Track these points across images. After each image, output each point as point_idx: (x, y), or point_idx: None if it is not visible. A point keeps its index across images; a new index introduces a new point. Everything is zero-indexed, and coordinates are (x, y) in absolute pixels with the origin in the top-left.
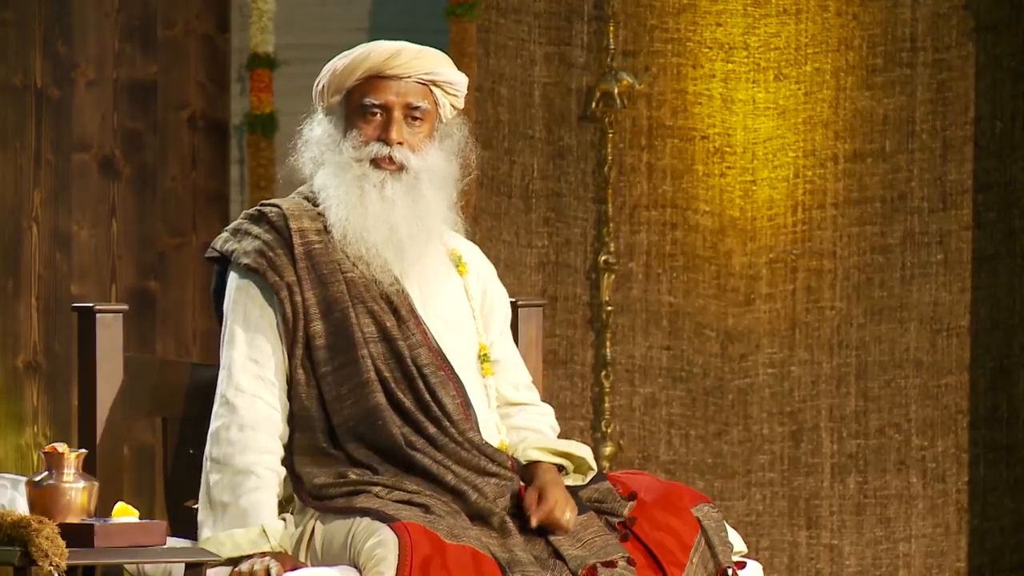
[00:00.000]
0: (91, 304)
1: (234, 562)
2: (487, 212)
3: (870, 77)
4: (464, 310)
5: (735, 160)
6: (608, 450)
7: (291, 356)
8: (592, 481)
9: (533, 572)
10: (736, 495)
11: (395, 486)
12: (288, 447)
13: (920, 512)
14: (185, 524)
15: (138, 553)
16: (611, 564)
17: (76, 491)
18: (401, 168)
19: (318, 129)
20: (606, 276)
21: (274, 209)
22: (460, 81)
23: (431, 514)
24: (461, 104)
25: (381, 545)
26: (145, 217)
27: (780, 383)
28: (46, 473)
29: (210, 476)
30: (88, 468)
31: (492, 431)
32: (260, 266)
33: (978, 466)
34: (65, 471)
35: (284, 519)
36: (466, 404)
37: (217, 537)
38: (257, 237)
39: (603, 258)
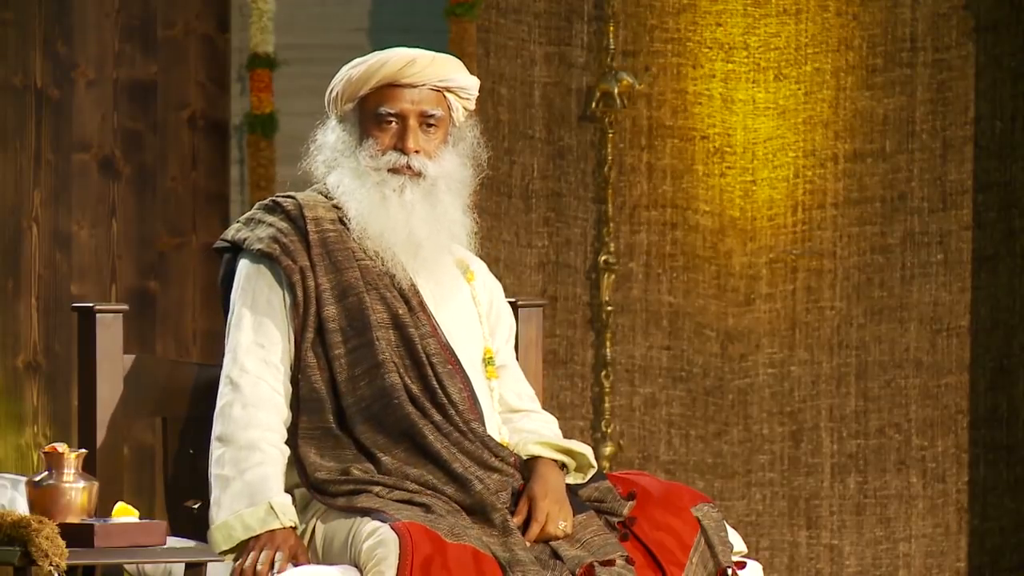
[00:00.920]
0: (91, 304)
1: (244, 547)
2: (487, 212)
3: (870, 77)
4: (471, 314)
5: (735, 160)
6: (608, 450)
7: (300, 340)
8: (592, 480)
9: (533, 571)
10: (736, 495)
11: (396, 485)
12: (292, 431)
13: (920, 512)
14: (185, 524)
15: (138, 553)
16: (609, 563)
17: (76, 491)
18: (419, 175)
19: (331, 135)
20: (606, 276)
21: (289, 200)
22: (473, 85)
23: (432, 513)
24: (472, 106)
25: (382, 545)
26: (145, 217)
27: (780, 383)
28: (46, 473)
29: (215, 453)
30: (88, 468)
31: (494, 432)
32: (273, 251)
33: (978, 466)
34: (65, 471)
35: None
36: (472, 398)
37: (227, 522)
38: (271, 225)
39: (603, 258)
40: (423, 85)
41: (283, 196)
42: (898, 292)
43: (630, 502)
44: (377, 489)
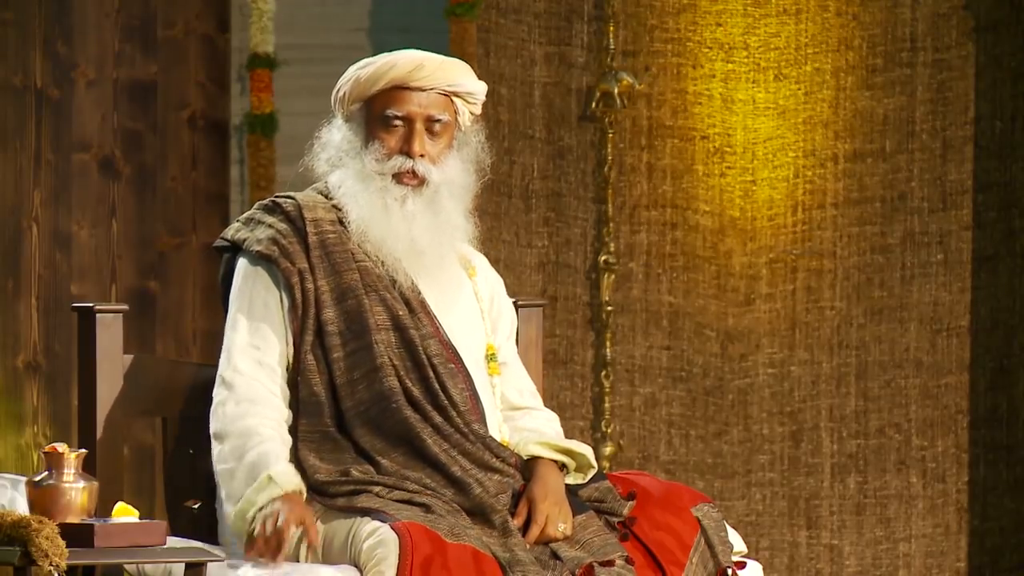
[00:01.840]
0: (91, 304)
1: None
2: (487, 212)
3: (870, 77)
4: (473, 310)
5: (735, 160)
6: (608, 450)
7: (299, 343)
8: (592, 480)
9: (534, 572)
10: (736, 495)
11: (396, 485)
12: (292, 434)
13: (920, 512)
14: (185, 524)
15: (138, 553)
16: (609, 564)
17: (76, 491)
18: (422, 182)
19: (337, 134)
20: (606, 276)
21: (289, 200)
22: (480, 90)
23: (432, 513)
24: (479, 111)
25: (382, 545)
26: (145, 217)
27: (780, 383)
28: (46, 473)
29: (214, 452)
30: (88, 468)
31: (496, 430)
32: (272, 253)
33: (978, 466)
34: (65, 471)
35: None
36: (474, 398)
37: (239, 509)
38: (271, 226)
39: (603, 258)
40: (431, 89)
41: (283, 196)
42: (898, 292)
43: (630, 502)
44: (377, 489)
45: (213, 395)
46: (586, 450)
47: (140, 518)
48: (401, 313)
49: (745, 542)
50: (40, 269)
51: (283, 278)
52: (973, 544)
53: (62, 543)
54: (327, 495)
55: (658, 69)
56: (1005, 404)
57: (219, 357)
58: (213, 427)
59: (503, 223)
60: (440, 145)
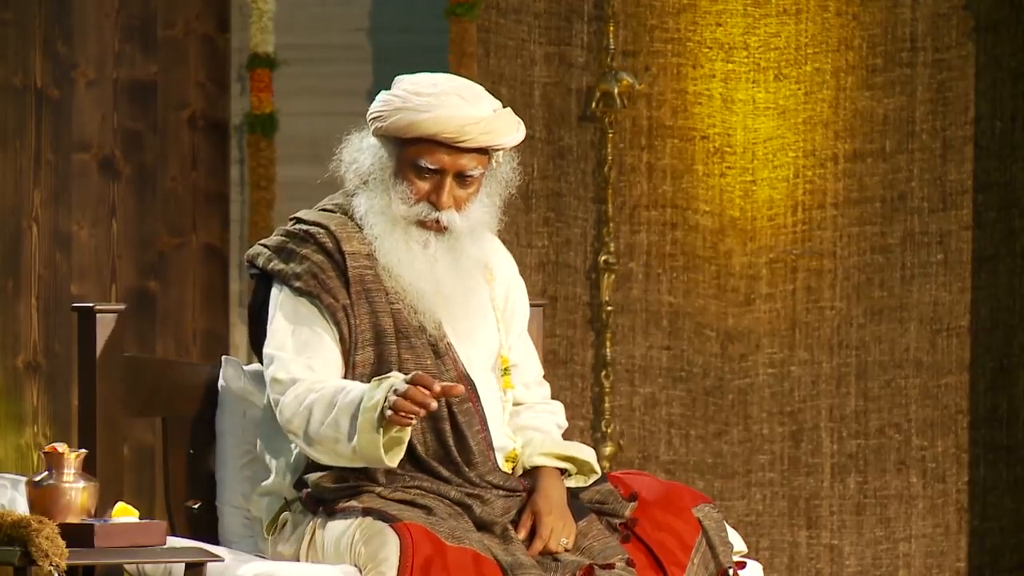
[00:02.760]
0: (91, 304)
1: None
2: None
3: (870, 77)
4: (490, 323)
5: (735, 160)
6: (608, 450)
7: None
8: (594, 483)
9: (535, 574)
10: (736, 495)
11: (397, 488)
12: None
13: (920, 512)
14: (185, 524)
15: (138, 553)
16: (610, 567)
17: (76, 491)
18: (445, 230)
19: (368, 157)
20: (606, 276)
21: (321, 230)
22: (520, 137)
23: (433, 516)
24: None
25: (383, 545)
26: (145, 217)
27: (780, 383)
28: (46, 473)
29: (302, 441)
30: (88, 468)
31: (503, 438)
32: (314, 289)
33: (978, 466)
34: (65, 471)
35: (286, 519)
36: (487, 438)
37: (363, 422)
38: (306, 258)
39: (603, 258)
40: (469, 149)
41: (312, 223)
42: (898, 292)
43: (632, 503)
44: (378, 490)
45: (272, 399)
46: (589, 455)
47: (140, 518)
48: (428, 363)
49: (745, 542)
50: (40, 269)
51: (329, 313)
52: (973, 544)
53: (62, 543)
54: (328, 499)
55: (658, 69)
56: (1005, 404)
57: (220, 356)
58: (291, 424)
59: (503, 223)
60: (469, 191)
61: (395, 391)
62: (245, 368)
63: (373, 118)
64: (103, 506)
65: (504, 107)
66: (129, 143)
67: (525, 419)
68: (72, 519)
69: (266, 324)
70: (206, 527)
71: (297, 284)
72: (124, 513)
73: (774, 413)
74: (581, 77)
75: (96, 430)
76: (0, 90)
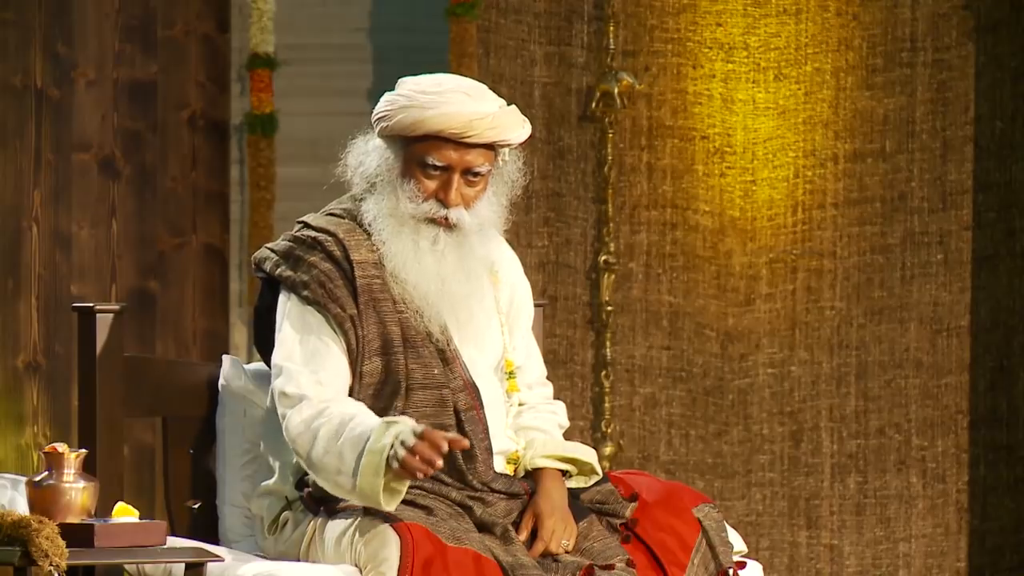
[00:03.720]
0: (91, 304)
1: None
2: None
3: (870, 77)
4: (495, 327)
5: (735, 160)
6: (608, 450)
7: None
8: (595, 484)
9: (535, 575)
10: (736, 495)
11: None
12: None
13: (920, 512)
14: (185, 524)
15: (138, 553)
16: (610, 567)
17: (76, 491)
18: (453, 227)
19: (374, 158)
20: (606, 276)
21: (329, 237)
22: (526, 134)
23: (433, 516)
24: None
25: (383, 545)
26: (145, 217)
27: (780, 383)
28: (46, 473)
29: (312, 469)
30: (88, 468)
31: (507, 442)
32: (321, 298)
33: (978, 466)
34: (65, 471)
35: (287, 518)
36: (490, 449)
37: (365, 466)
38: (314, 266)
39: (603, 258)
40: (476, 145)
41: (321, 231)
42: (898, 292)
43: (632, 503)
44: None
45: (280, 413)
46: (590, 457)
47: (140, 518)
48: (436, 372)
49: (745, 542)
50: (40, 269)
51: (336, 323)
52: (973, 544)
53: (62, 543)
54: (328, 499)
55: (658, 69)
56: (1005, 404)
57: (221, 356)
58: (298, 448)
59: (509, 223)
60: (476, 189)
61: (403, 443)
62: (245, 367)
63: (378, 119)
64: (103, 506)
65: (509, 105)
66: (129, 143)
67: (527, 420)
68: (72, 519)
69: (272, 327)
70: (206, 527)
71: (305, 293)
72: (124, 513)
73: (774, 413)
74: (581, 77)
75: (96, 430)
76: (0, 90)
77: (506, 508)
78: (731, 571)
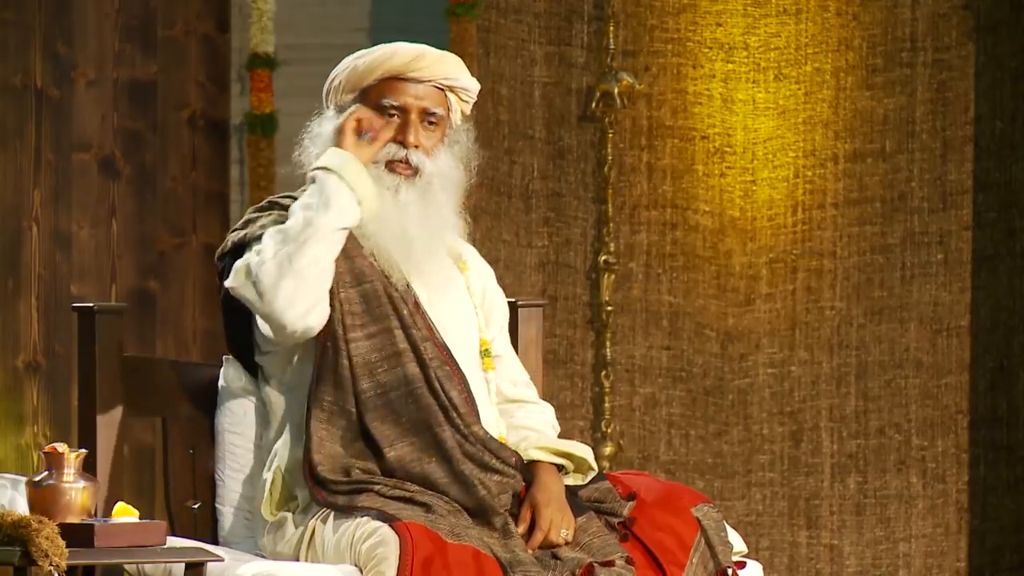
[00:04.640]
0: (91, 304)
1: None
2: (487, 212)
3: (870, 77)
4: (467, 306)
5: (735, 160)
6: (608, 450)
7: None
8: (592, 481)
9: (535, 572)
10: (736, 495)
11: (396, 485)
12: (308, 400)
13: (920, 512)
14: (185, 524)
15: (138, 553)
16: (609, 564)
17: (76, 491)
18: (415, 173)
19: (328, 126)
20: (606, 276)
21: (286, 199)
22: (474, 88)
23: (432, 513)
24: (469, 110)
25: (382, 545)
26: (145, 217)
27: (780, 383)
28: (46, 473)
29: (262, 272)
30: (88, 468)
31: (492, 425)
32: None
33: (978, 466)
34: (65, 471)
35: (286, 518)
36: (470, 399)
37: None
38: (271, 216)
39: (603, 258)
40: (428, 81)
41: (278, 196)
42: (898, 292)
43: (630, 502)
44: (378, 488)
45: (235, 278)
46: (586, 452)
47: (140, 518)
48: (404, 312)
49: (745, 542)
50: (40, 269)
51: None
52: (973, 544)
53: (62, 543)
54: (327, 490)
55: (658, 69)
56: (1005, 404)
57: (221, 356)
58: (248, 268)
59: (503, 223)
60: (434, 138)
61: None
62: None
63: (328, 89)
64: (103, 506)
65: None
66: (129, 143)
67: (519, 419)
68: (72, 519)
69: (238, 316)
70: (206, 527)
71: (260, 233)
72: (124, 513)
73: (774, 413)
74: (581, 77)
75: (96, 430)
76: (0, 90)
77: (500, 484)
78: (730, 570)
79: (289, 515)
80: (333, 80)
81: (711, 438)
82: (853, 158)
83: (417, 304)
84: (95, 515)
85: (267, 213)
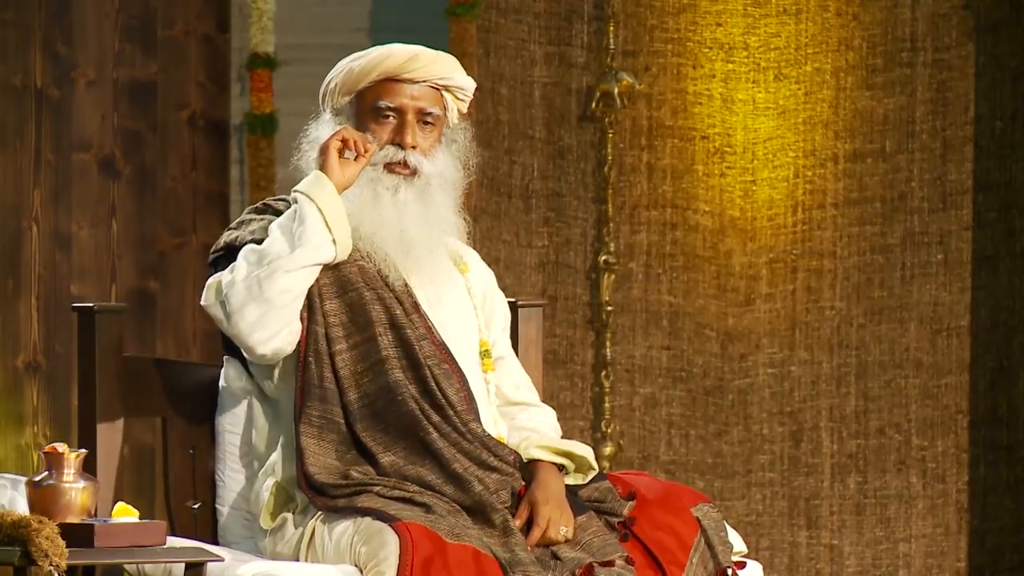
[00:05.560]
0: (91, 304)
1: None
2: (487, 212)
3: (870, 77)
4: (466, 307)
5: (735, 160)
6: (608, 450)
7: (308, 331)
8: (592, 480)
9: (534, 572)
10: (736, 495)
11: (396, 486)
12: (296, 417)
13: (920, 512)
14: (185, 524)
15: (138, 553)
16: (609, 564)
17: (76, 491)
18: (414, 173)
19: (325, 129)
20: (606, 276)
21: (280, 202)
22: (470, 87)
23: (432, 513)
24: (466, 109)
25: (382, 545)
26: (145, 217)
27: (780, 383)
28: (46, 473)
29: (234, 292)
30: (88, 468)
31: (490, 425)
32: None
33: (978, 466)
34: (65, 471)
35: (286, 518)
36: (469, 397)
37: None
38: (261, 221)
39: (603, 258)
40: (423, 82)
41: (274, 199)
42: (898, 292)
43: (630, 502)
44: (377, 489)
45: (207, 302)
46: (586, 452)
47: (140, 518)
48: (397, 312)
49: (745, 542)
50: (40, 269)
51: None
52: (973, 544)
53: (62, 543)
54: (327, 495)
55: (658, 69)
56: (1005, 404)
57: (221, 356)
58: (225, 289)
59: (503, 223)
60: (431, 139)
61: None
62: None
63: (324, 92)
64: (103, 506)
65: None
66: (129, 143)
67: (521, 420)
68: (72, 519)
69: None
70: (206, 527)
71: (250, 239)
72: (124, 513)
73: (774, 413)
74: (581, 77)
75: (96, 430)
76: (0, 90)
77: (499, 481)
78: (730, 570)
79: (289, 515)
80: (329, 83)
81: (711, 438)
82: (853, 158)
83: (415, 304)
84: (95, 515)
85: (260, 217)
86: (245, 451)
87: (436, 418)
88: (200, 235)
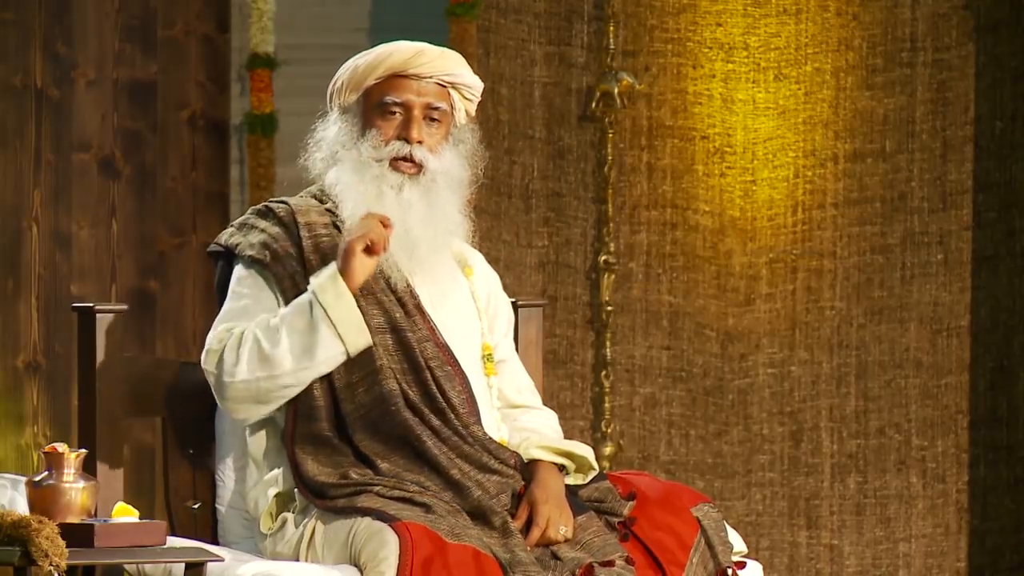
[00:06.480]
0: (91, 304)
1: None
2: (487, 212)
3: (870, 77)
4: (470, 310)
5: (735, 160)
6: (608, 450)
7: None
8: (592, 480)
9: (535, 572)
10: (736, 495)
11: (395, 486)
12: (288, 437)
13: (920, 512)
14: (185, 524)
15: (138, 553)
16: (609, 564)
17: (76, 491)
18: (419, 170)
19: (332, 128)
20: (606, 276)
21: (281, 205)
22: (477, 85)
23: (432, 513)
24: (474, 110)
25: (382, 545)
26: (145, 217)
27: (780, 383)
28: (46, 473)
29: (241, 373)
30: (88, 468)
31: (493, 429)
32: (264, 257)
33: (978, 466)
34: (65, 471)
35: (286, 518)
36: (471, 399)
37: (325, 322)
38: (263, 231)
39: (603, 258)
40: (429, 78)
41: (276, 201)
42: (898, 292)
43: (630, 502)
44: (377, 488)
45: (206, 369)
46: (587, 452)
47: (140, 518)
48: (398, 315)
49: (745, 542)
50: (40, 269)
51: (276, 282)
52: (973, 544)
53: (62, 543)
54: (327, 497)
55: (658, 69)
56: (1005, 404)
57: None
58: (230, 367)
59: (503, 223)
60: (437, 135)
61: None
62: None
63: (332, 91)
64: (103, 506)
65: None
66: (129, 143)
67: (523, 421)
68: (72, 519)
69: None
70: (206, 527)
71: (249, 254)
72: (124, 513)
73: (774, 413)
74: (581, 77)
75: (96, 430)
76: (0, 90)
77: (499, 484)
78: (730, 570)
79: (289, 515)
80: (336, 82)
81: (711, 438)
82: (853, 158)
83: (418, 305)
84: (95, 515)
85: (262, 227)
86: (244, 452)
87: (436, 422)
88: (200, 235)
